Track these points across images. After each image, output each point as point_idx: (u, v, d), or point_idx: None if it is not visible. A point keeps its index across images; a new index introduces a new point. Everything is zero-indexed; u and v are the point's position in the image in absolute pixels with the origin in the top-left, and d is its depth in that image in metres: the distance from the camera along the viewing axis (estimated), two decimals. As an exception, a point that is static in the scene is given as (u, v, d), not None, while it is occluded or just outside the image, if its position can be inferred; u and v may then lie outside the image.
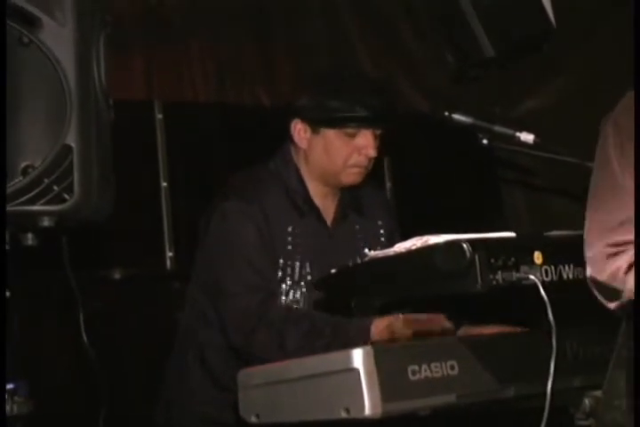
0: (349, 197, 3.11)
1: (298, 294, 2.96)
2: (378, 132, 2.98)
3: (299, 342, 2.77)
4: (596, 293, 2.16)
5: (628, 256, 2.07)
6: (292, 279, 2.96)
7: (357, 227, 3.11)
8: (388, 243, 2.94)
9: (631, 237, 2.07)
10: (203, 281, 3.03)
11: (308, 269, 2.97)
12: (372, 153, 2.97)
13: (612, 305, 2.12)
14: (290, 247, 2.96)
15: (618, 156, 2.15)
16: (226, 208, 2.94)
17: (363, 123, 2.94)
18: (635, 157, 2.09)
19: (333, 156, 2.97)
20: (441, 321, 2.72)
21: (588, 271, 2.17)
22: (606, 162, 2.18)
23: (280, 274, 2.95)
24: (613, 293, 2.11)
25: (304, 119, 2.98)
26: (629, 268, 2.06)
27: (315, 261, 2.97)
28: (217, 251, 2.95)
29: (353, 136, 2.95)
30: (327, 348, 2.59)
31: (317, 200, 3.05)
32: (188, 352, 3.06)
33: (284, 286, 2.96)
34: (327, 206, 3.08)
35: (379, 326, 2.70)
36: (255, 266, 2.89)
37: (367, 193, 3.16)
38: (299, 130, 3.00)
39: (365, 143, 2.96)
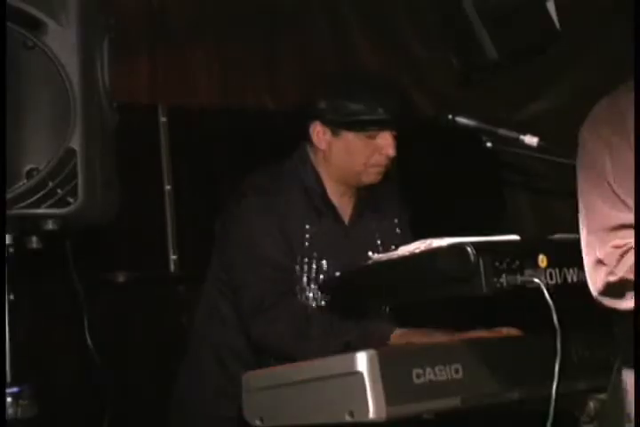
0: (366, 195, 3.13)
1: (314, 292, 2.97)
2: (395, 132, 3.01)
3: (322, 335, 2.77)
4: (605, 298, 2.15)
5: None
6: (308, 277, 2.97)
7: (374, 225, 3.13)
8: (404, 240, 2.95)
9: (629, 240, 2.10)
10: (220, 280, 3.04)
11: (324, 268, 2.98)
12: (392, 153, 3.00)
13: (625, 303, 2.12)
14: (307, 245, 2.97)
15: (613, 170, 2.14)
16: (245, 206, 2.95)
17: (383, 125, 2.97)
18: (635, 157, 2.07)
19: (355, 157, 3.00)
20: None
21: (600, 276, 2.15)
22: (597, 172, 2.17)
23: (298, 271, 2.96)
24: (629, 286, 2.11)
25: (324, 122, 3.01)
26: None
27: (331, 260, 2.99)
28: (238, 248, 2.95)
29: (373, 137, 2.98)
30: (347, 345, 2.63)
31: (334, 199, 3.07)
32: (203, 351, 3.07)
33: (302, 283, 2.97)
34: (344, 205, 3.10)
35: (398, 334, 2.73)
36: (275, 262, 2.91)
37: (382, 191, 3.18)
38: (318, 132, 3.02)
39: (385, 143, 2.99)
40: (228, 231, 2.99)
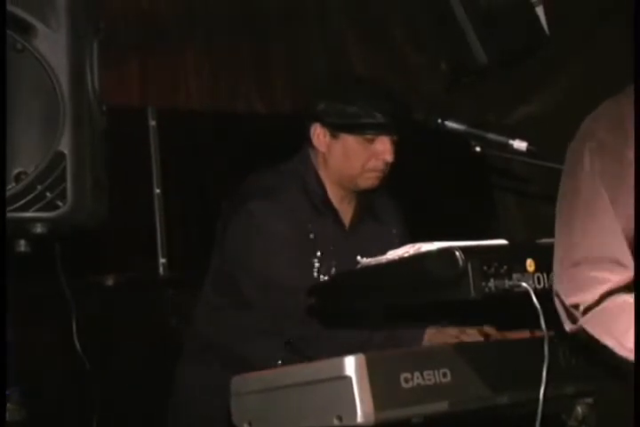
0: (366, 203, 3.14)
1: None
2: (394, 137, 3.02)
3: (353, 342, 2.78)
4: (559, 308, 2.15)
5: (591, 294, 2.05)
6: (310, 277, 2.97)
7: (372, 233, 3.15)
8: None
9: (595, 274, 2.05)
10: (221, 282, 3.05)
11: (325, 268, 2.99)
12: (390, 158, 3.01)
13: (567, 327, 2.13)
14: (311, 244, 2.99)
15: (598, 181, 2.06)
16: (252, 207, 2.95)
17: (382, 129, 2.98)
18: (635, 157, 2.05)
19: (352, 160, 3.02)
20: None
21: (556, 288, 2.15)
22: (579, 189, 2.11)
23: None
24: (573, 318, 2.11)
25: (323, 124, 3.02)
26: (586, 309, 2.06)
27: (333, 261, 3.00)
28: (248, 250, 2.95)
29: (371, 141, 3.00)
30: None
31: (335, 203, 3.09)
32: (207, 352, 3.07)
33: None
34: (345, 210, 3.12)
35: (432, 335, 2.74)
36: (292, 263, 2.92)
37: (382, 201, 3.20)
38: (318, 134, 3.04)
39: (383, 148, 3.00)
40: (236, 234, 2.98)
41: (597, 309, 2.05)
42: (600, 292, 2.04)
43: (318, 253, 2.99)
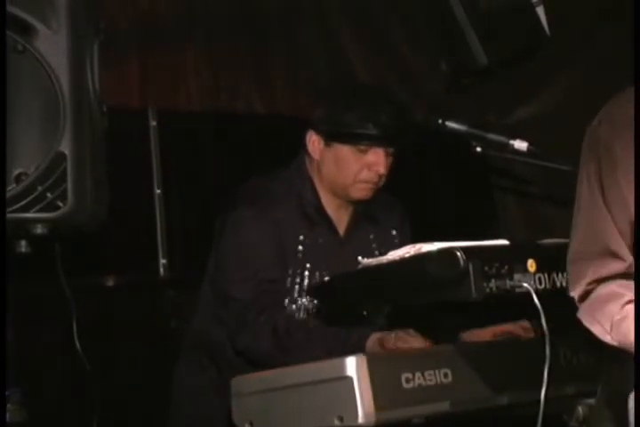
0: (364, 207, 3.11)
1: (306, 303, 2.96)
2: (390, 150, 2.99)
3: (301, 346, 2.75)
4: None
5: (580, 287, 2.10)
6: (300, 288, 2.96)
7: (372, 236, 3.12)
8: None
9: (586, 268, 2.10)
10: (215, 284, 3.04)
11: (317, 279, 2.97)
12: (382, 170, 2.98)
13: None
14: (300, 256, 2.97)
15: (593, 182, 2.12)
16: (239, 216, 2.95)
17: (373, 141, 2.95)
18: (635, 161, 2.06)
19: (344, 170, 2.99)
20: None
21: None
22: (581, 191, 2.16)
23: (289, 282, 2.95)
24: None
25: (318, 131, 3.00)
26: (579, 301, 2.10)
27: (325, 271, 2.97)
28: (228, 258, 2.96)
29: (365, 152, 2.96)
30: (329, 353, 2.59)
31: (330, 211, 3.06)
32: (202, 352, 3.08)
33: (294, 293, 2.96)
34: (340, 217, 3.09)
35: (372, 338, 2.68)
36: (264, 275, 2.90)
37: (382, 203, 3.16)
38: (313, 141, 3.02)
39: (376, 160, 2.96)
40: (222, 238, 2.99)
41: (587, 299, 2.09)
42: (585, 284, 2.08)
43: (308, 265, 2.97)
